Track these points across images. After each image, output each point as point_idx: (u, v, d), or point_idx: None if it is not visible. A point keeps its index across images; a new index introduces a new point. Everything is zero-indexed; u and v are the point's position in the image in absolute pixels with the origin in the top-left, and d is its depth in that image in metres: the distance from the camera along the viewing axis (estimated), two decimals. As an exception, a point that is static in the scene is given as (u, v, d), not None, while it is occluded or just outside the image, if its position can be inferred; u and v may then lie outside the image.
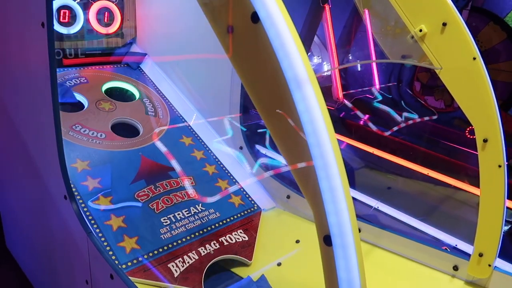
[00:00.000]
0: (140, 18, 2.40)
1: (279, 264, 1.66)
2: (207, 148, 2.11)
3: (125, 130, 2.03)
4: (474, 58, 1.23)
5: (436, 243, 1.82)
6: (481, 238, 1.31)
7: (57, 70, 2.07)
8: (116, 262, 1.44)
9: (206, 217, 1.78)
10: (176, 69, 2.33)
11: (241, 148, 2.08)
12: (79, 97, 2.04)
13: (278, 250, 1.73)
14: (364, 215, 1.96)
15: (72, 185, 1.60)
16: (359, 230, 1.64)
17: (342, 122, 3.69)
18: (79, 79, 2.15)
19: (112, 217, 1.59)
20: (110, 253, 1.47)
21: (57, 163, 1.36)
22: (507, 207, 2.47)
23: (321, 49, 4.24)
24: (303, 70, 0.62)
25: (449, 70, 1.28)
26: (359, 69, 4.43)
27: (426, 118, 3.97)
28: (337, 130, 3.49)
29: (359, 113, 3.60)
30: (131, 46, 2.42)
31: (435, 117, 4.00)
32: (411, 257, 1.52)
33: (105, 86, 2.19)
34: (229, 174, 2.03)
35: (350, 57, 4.30)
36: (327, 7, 3.44)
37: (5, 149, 1.91)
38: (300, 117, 0.62)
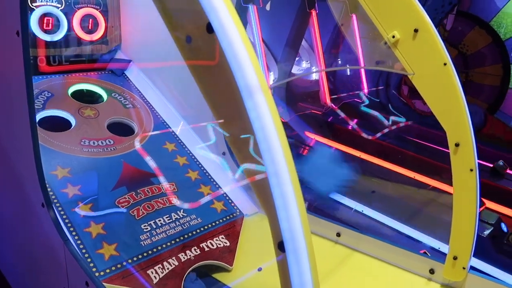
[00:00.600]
0: (125, 25, 2.40)
1: (259, 269, 1.66)
2: (190, 154, 2.11)
3: (120, 129, 2.05)
4: (445, 64, 1.25)
5: (417, 246, 1.83)
6: (455, 241, 1.32)
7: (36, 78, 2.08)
8: (94, 269, 1.44)
9: (187, 223, 1.79)
10: (161, 76, 2.34)
11: (224, 153, 2.09)
12: (59, 112, 2.02)
13: (259, 255, 1.73)
14: (346, 219, 1.97)
15: (51, 193, 1.61)
16: (338, 235, 1.65)
17: (330, 127, 3.71)
18: (43, 93, 2.11)
19: (92, 224, 1.59)
20: (89, 260, 1.47)
21: (34, 171, 1.36)
22: (489, 210, 2.49)
23: (309, 53, 4.27)
24: (255, 79, 0.63)
25: (421, 76, 1.29)
26: (348, 73, 4.46)
27: (414, 122, 4.00)
28: (325, 134, 3.52)
29: (346, 117, 3.62)
30: (116, 52, 2.42)
31: (422, 120, 4.03)
32: (389, 260, 1.53)
33: (71, 90, 2.17)
34: (212, 180, 2.04)
35: (339, 61, 4.33)
36: (313, 12, 3.47)
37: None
38: (252, 125, 0.63)
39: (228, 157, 2.08)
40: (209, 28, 0.66)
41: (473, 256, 1.40)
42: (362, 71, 4.24)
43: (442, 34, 4.96)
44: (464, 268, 1.34)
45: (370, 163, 3.01)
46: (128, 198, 1.75)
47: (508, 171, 3.04)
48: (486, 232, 2.27)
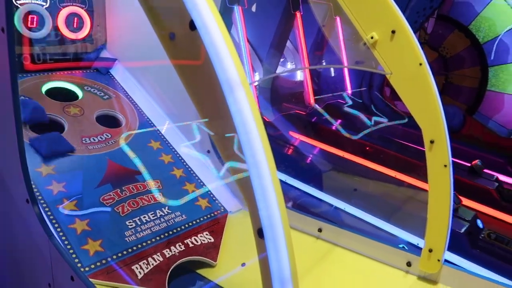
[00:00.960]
0: (110, 24, 2.41)
1: (243, 265, 1.69)
2: (175, 152, 2.13)
3: (106, 121, 2.08)
4: (420, 64, 1.30)
5: (396, 241, 1.89)
6: (430, 234, 1.38)
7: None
8: (79, 265, 1.45)
9: (172, 220, 1.81)
10: (146, 74, 2.36)
11: (208, 151, 2.12)
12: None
13: (243, 251, 1.77)
14: (328, 216, 2.02)
15: (36, 190, 1.61)
16: (320, 230, 1.69)
17: (313, 127, 3.77)
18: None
19: (77, 220, 1.60)
20: (74, 256, 1.48)
21: (19, 167, 1.37)
22: (466, 207, 2.57)
23: (294, 54, 4.33)
24: (236, 74, 0.66)
25: (398, 75, 1.34)
26: (332, 74, 4.53)
27: (396, 122, 4.08)
28: (309, 134, 3.57)
29: (330, 117, 3.68)
30: (101, 51, 2.43)
31: (404, 121, 4.12)
32: (369, 254, 1.58)
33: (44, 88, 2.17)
34: (196, 178, 2.06)
35: (323, 63, 4.40)
36: (298, 14, 3.52)
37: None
38: (233, 118, 0.66)
39: (213, 155, 2.11)
40: (192, 25, 0.69)
41: (451, 251, 1.46)
42: (346, 73, 4.32)
43: (423, 37, 5.08)
44: (439, 260, 1.39)
45: (353, 162, 3.07)
46: (113, 195, 1.77)
47: (485, 170, 3.14)
48: (463, 229, 2.35)
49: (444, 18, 4.97)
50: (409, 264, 1.48)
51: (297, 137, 3.47)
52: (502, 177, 3.29)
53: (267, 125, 3.32)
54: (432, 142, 1.31)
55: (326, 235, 1.69)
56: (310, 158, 3.14)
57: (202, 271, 1.68)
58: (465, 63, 5.08)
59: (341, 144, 3.26)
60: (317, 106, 3.64)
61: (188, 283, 1.64)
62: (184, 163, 2.11)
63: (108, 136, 1.98)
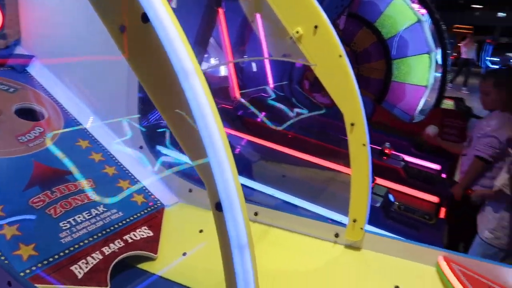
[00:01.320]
0: (25, 18, 2.26)
1: (184, 254, 1.74)
2: (106, 150, 2.09)
3: (25, 115, 1.98)
4: (340, 56, 1.45)
5: (323, 219, 2.06)
6: (354, 206, 1.56)
7: None
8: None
9: (108, 218, 1.78)
10: (68, 72, 2.26)
11: (141, 147, 2.11)
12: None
13: (182, 241, 1.81)
14: (262, 202, 2.13)
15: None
16: (256, 214, 1.80)
17: (240, 120, 3.89)
18: None
19: (5, 226, 1.52)
20: (6, 262, 1.40)
21: None
22: (378, 184, 2.87)
23: (218, 51, 4.40)
24: (190, 63, 0.72)
25: (321, 67, 1.48)
26: (254, 69, 4.68)
27: (315, 113, 4.36)
28: (236, 127, 3.68)
29: (255, 110, 3.82)
30: (15, 48, 2.27)
31: (322, 111, 4.42)
32: (301, 231, 1.72)
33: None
34: (130, 174, 2.05)
35: (246, 57, 4.53)
36: (220, 10, 3.60)
37: None
38: (189, 105, 0.73)
39: (146, 150, 2.11)
40: (144, 18, 0.74)
41: (369, 223, 1.66)
42: (268, 68, 4.50)
43: (337, 33, 5.48)
44: (362, 229, 1.58)
45: (280, 151, 3.25)
46: (43, 197, 1.69)
47: (393, 152, 3.53)
48: (378, 203, 2.64)
49: (353, 16, 5.41)
50: (336, 235, 1.65)
51: (225, 131, 3.55)
52: (407, 158, 3.72)
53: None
54: (352, 124, 1.48)
55: (262, 218, 1.80)
56: (239, 150, 3.25)
57: (144, 265, 1.69)
58: (372, 57, 5.60)
59: (268, 135, 3.42)
60: (242, 100, 3.76)
61: (131, 278, 1.64)
62: (116, 161, 2.07)
63: (41, 130, 1.89)
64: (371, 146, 3.19)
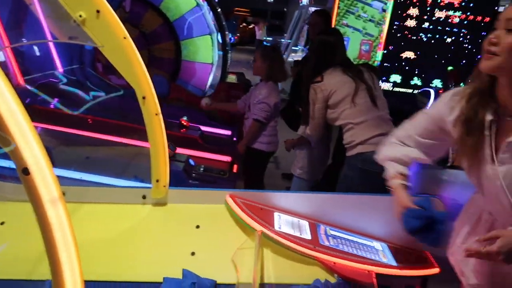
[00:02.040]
0: None
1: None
2: None
3: None
4: (125, 37, 1.62)
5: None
6: (155, 168, 1.80)
7: None
8: None
9: None
10: None
11: None
12: None
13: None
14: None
15: None
16: (64, 194, 1.85)
17: (30, 109, 3.59)
18: None
19: None
20: None
21: None
22: (180, 154, 3.21)
23: None
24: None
25: (108, 48, 1.62)
26: (37, 53, 4.32)
27: (113, 95, 4.38)
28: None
29: (46, 97, 3.60)
30: None
31: (120, 93, 4.47)
32: (111, 201, 1.88)
33: None
34: None
35: (24, 40, 4.13)
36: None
37: None
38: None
39: None
40: None
41: (175, 186, 1.93)
42: (54, 51, 4.21)
43: (123, 15, 5.48)
44: (164, 186, 1.85)
45: (80, 135, 3.19)
46: None
47: (190, 124, 3.94)
48: (180, 168, 2.99)
49: (137, -1, 5.52)
50: (144, 197, 1.88)
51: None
52: (203, 127, 4.21)
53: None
54: (144, 98, 1.69)
55: (71, 198, 1.86)
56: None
57: None
58: (162, 38, 5.87)
59: (64, 120, 3.30)
60: (28, 86, 3.45)
61: None
62: None
63: None
64: (170, 121, 3.53)
